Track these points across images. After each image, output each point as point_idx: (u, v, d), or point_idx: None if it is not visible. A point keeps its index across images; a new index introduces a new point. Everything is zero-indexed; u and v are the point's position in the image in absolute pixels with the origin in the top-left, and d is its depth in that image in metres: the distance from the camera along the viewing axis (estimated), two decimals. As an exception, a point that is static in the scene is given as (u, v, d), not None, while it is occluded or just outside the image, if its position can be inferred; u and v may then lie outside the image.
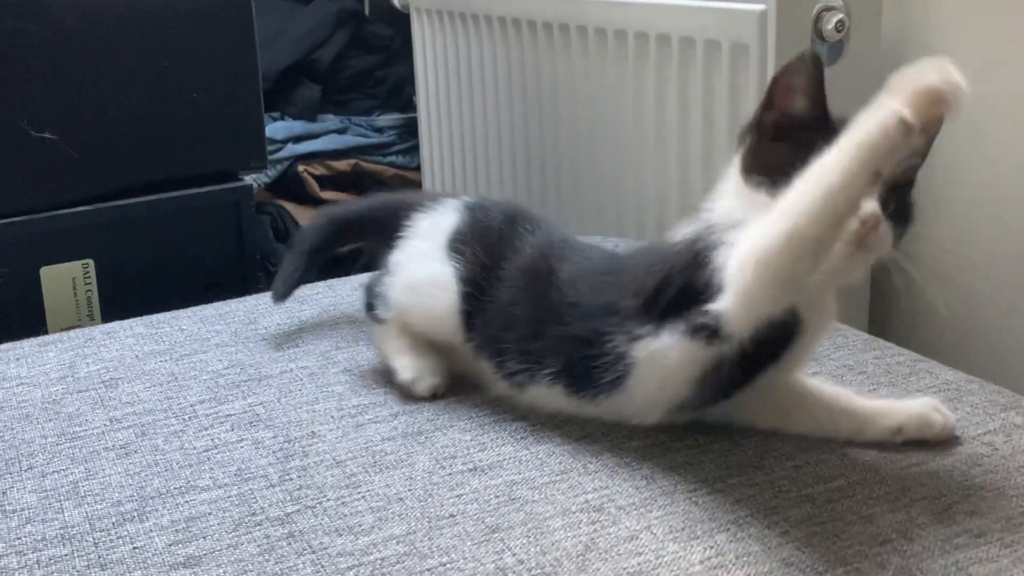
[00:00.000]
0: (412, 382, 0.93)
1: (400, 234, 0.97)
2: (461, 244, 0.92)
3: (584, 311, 0.83)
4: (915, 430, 0.82)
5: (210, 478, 0.82)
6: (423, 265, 0.93)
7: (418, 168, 1.83)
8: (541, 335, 0.85)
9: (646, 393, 0.82)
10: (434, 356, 0.95)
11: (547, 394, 0.86)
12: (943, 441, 0.82)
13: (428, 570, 0.70)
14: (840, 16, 1.02)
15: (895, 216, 0.75)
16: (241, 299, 1.22)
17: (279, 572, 0.70)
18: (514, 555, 0.71)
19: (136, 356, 1.07)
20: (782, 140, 0.76)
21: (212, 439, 0.89)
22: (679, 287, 0.77)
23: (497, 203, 0.97)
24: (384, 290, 0.95)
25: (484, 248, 0.91)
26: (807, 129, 0.74)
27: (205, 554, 0.73)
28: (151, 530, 0.76)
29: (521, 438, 0.87)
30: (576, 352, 0.83)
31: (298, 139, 1.92)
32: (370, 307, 0.98)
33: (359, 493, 0.79)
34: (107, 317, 1.41)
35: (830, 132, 0.71)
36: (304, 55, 1.99)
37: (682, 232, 0.80)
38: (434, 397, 0.93)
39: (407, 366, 0.94)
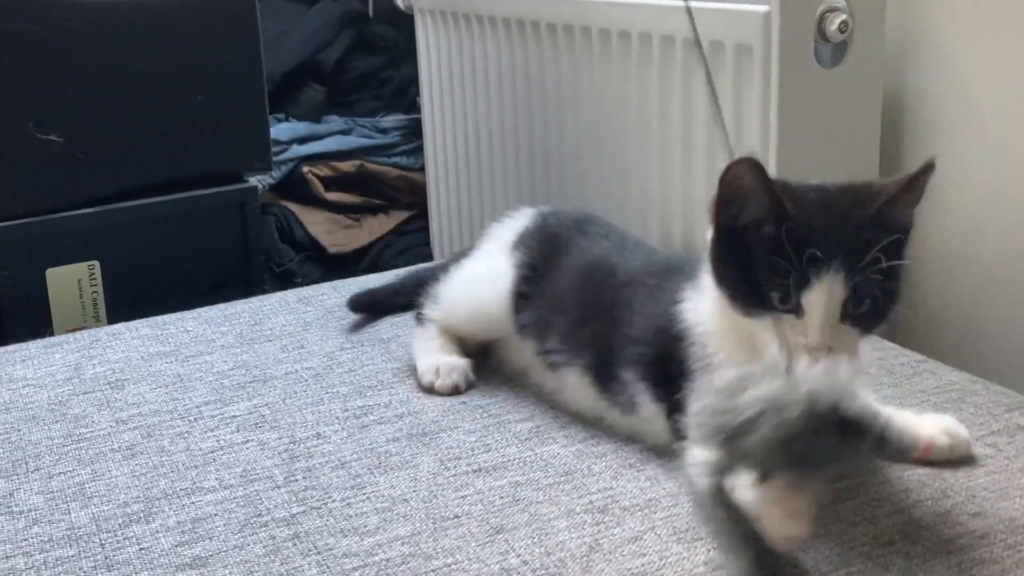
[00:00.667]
0: (431, 384, 0.96)
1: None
2: (523, 241, 0.97)
3: (617, 324, 0.85)
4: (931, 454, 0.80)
5: (216, 479, 0.83)
6: (482, 262, 1.00)
7: (422, 169, 1.83)
8: (583, 327, 0.88)
9: (652, 425, 0.83)
10: (460, 357, 0.97)
11: (578, 383, 0.88)
12: (959, 459, 0.80)
13: (433, 571, 0.70)
14: (844, 17, 1.02)
15: (866, 316, 0.71)
16: (246, 300, 1.22)
17: (285, 573, 0.71)
18: (518, 556, 0.71)
19: (142, 357, 1.07)
20: (742, 239, 0.73)
21: (218, 440, 0.89)
22: (654, 365, 0.81)
23: (573, 211, 1.02)
24: (438, 289, 1.00)
25: (545, 243, 0.96)
26: (765, 224, 0.71)
27: (211, 555, 0.73)
28: (157, 531, 0.76)
29: (525, 440, 0.87)
30: (604, 356, 0.86)
31: (303, 140, 1.92)
32: (418, 313, 1.02)
33: (364, 494, 0.80)
34: (113, 318, 1.42)
35: (789, 229, 0.69)
36: (308, 56, 1.99)
37: (675, 298, 0.81)
38: (456, 392, 0.95)
39: (428, 369, 0.96)
